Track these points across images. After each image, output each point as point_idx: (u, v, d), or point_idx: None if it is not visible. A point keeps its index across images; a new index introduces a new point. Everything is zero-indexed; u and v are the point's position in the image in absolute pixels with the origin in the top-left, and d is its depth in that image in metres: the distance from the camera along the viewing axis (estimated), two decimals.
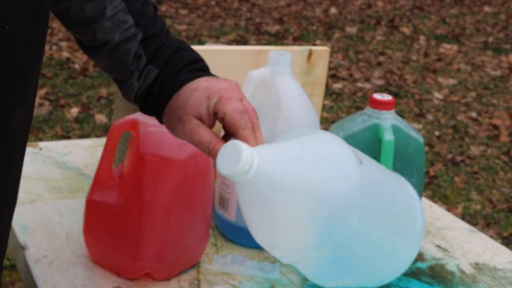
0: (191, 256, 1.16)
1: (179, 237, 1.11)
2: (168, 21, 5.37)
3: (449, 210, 2.96)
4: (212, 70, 1.28)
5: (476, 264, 1.26)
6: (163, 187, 1.08)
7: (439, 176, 3.35)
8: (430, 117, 4.03)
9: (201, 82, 0.87)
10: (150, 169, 1.07)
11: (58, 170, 1.45)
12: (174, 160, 1.08)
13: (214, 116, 0.85)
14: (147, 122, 1.10)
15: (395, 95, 4.23)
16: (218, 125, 0.87)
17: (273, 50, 1.24)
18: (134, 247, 1.09)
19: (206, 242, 1.19)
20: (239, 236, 1.26)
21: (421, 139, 1.26)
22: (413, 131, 1.26)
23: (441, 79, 4.63)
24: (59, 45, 4.61)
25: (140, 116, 1.11)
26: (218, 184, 1.26)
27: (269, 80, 1.22)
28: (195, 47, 1.29)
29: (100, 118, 3.61)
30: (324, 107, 3.95)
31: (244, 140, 0.82)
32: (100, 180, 1.12)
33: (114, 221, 1.10)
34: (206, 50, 1.29)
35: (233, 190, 1.23)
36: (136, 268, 1.11)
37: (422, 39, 5.48)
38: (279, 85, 1.21)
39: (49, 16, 0.84)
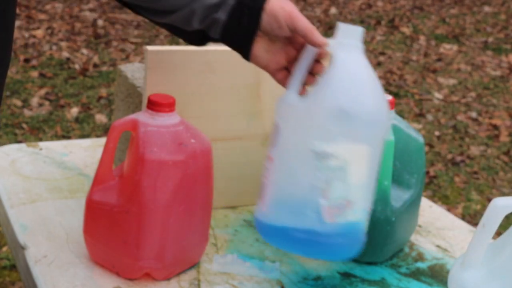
0: (191, 256, 1.16)
1: (179, 237, 1.11)
2: None
3: (449, 210, 2.96)
4: (212, 70, 1.29)
5: None
6: (162, 187, 1.08)
7: (439, 176, 3.35)
8: (430, 117, 4.02)
9: None
10: (150, 169, 1.07)
11: (58, 170, 1.45)
12: (174, 160, 1.08)
13: None
14: (147, 122, 1.10)
15: (395, 95, 4.23)
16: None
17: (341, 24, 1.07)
18: (134, 247, 1.09)
19: (206, 242, 1.19)
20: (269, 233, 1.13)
21: (421, 139, 1.26)
22: (413, 131, 1.26)
23: (441, 79, 4.63)
24: (59, 45, 4.61)
25: (140, 116, 1.11)
26: None
27: (340, 53, 1.04)
28: (195, 47, 1.29)
29: (100, 118, 3.61)
30: None
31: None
32: (100, 180, 1.12)
33: (114, 221, 1.10)
34: (206, 50, 1.29)
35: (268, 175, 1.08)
36: (136, 268, 1.11)
37: (422, 39, 5.47)
38: (344, 60, 1.04)
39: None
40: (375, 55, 5.02)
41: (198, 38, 1.12)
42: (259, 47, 1.09)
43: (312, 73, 1.07)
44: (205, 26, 1.08)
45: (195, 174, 1.11)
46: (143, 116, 1.10)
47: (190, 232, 1.13)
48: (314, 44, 1.05)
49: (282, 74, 1.10)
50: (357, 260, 1.25)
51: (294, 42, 1.09)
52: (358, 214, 1.05)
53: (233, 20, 1.06)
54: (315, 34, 1.04)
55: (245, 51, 1.10)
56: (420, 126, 3.88)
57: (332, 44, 1.05)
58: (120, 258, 1.11)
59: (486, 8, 6.48)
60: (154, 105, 1.10)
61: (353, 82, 1.01)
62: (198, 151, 1.11)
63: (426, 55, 5.12)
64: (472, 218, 2.99)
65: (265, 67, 1.11)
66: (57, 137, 3.37)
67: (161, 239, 1.10)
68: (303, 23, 1.04)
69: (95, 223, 1.13)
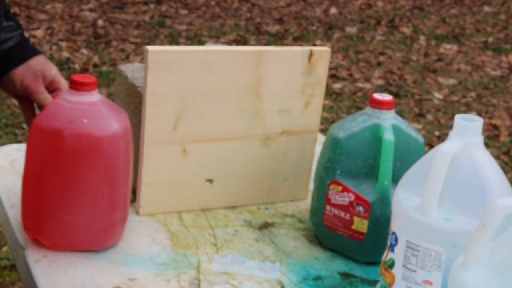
0: (88, 237, 1.18)
1: (56, 209, 1.15)
2: (168, 21, 5.37)
3: None
4: (212, 70, 1.29)
5: None
6: (39, 154, 1.15)
7: None
8: (430, 117, 4.02)
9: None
10: (33, 133, 1.15)
11: None
12: (51, 129, 1.12)
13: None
14: (66, 97, 1.15)
15: (395, 95, 4.23)
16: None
17: (459, 115, 1.01)
18: (21, 212, 1.19)
19: (115, 229, 1.21)
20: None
21: (421, 139, 1.26)
22: (413, 131, 1.26)
23: (441, 79, 4.62)
24: (59, 45, 4.61)
25: (64, 93, 1.17)
26: None
27: (462, 155, 1.00)
28: (195, 47, 1.29)
29: None
30: (324, 107, 3.95)
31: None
32: None
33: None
34: (206, 50, 1.29)
35: None
36: (25, 231, 1.20)
37: (422, 39, 5.47)
38: (477, 161, 1.00)
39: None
40: (375, 55, 5.02)
41: None
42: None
43: None
44: None
45: (77, 151, 1.13)
46: (67, 93, 1.16)
47: (73, 209, 1.16)
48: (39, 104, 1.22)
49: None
50: (357, 260, 1.25)
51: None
52: None
53: None
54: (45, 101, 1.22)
55: None
56: (420, 126, 3.88)
57: (461, 146, 0.98)
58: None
59: (486, 8, 6.48)
60: (74, 84, 1.15)
61: (500, 186, 1.00)
62: (85, 132, 1.12)
63: (426, 55, 5.12)
64: None
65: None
66: None
67: (35, 206, 1.16)
68: (37, 99, 1.22)
69: None
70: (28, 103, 1.26)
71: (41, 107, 1.21)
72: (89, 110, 1.13)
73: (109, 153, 1.14)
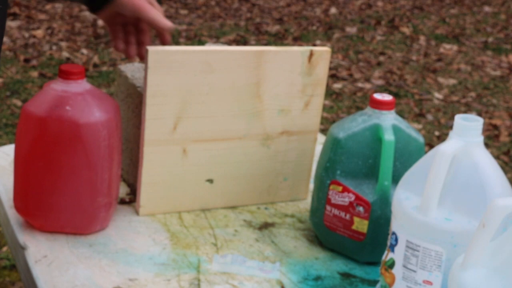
0: (72, 219, 1.21)
1: (41, 191, 1.19)
2: None
3: None
4: (212, 70, 1.29)
5: None
6: (25, 139, 1.19)
7: None
8: (430, 117, 4.02)
9: None
10: (22, 119, 1.19)
11: None
12: (35, 115, 1.16)
13: None
14: (55, 86, 1.18)
15: (395, 95, 4.23)
16: None
17: (459, 115, 1.00)
18: (13, 192, 1.25)
19: (99, 214, 1.23)
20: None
21: (421, 139, 1.26)
22: (413, 131, 1.26)
23: (441, 79, 4.63)
24: (59, 45, 4.61)
25: (55, 81, 1.19)
26: None
27: (462, 155, 1.00)
28: (195, 47, 1.29)
29: None
30: (324, 107, 3.95)
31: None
32: None
33: None
34: (206, 50, 1.29)
35: None
36: (17, 212, 1.24)
37: (422, 39, 5.47)
38: (477, 161, 1.00)
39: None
40: (375, 55, 5.02)
41: None
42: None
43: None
44: None
45: (58, 135, 1.17)
46: (56, 81, 1.20)
47: (56, 192, 1.19)
48: (161, 29, 1.29)
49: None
50: (357, 260, 1.25)
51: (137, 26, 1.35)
52: None
53: None
54: (162, 20, 1.28)
55: (93, 10, 1.37)
56: (420, 126, 3.88)
57: (461, 146, 0.98)
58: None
59: (486, 8, 6.48)
60: (62, 73, 1.18)
61: (500, 187, 0.99)
62: (66, 118, 1.16)
63: (426, 55, 5.12)
64: None
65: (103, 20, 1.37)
66: None
67: (23, 188, 1.21)
68: (149, 14, 1.28)
69: None
70: (119, 26, 1.34)
71: (154, 23, 1.28)
72: (73, 98, 1.17)
73: (89, 140, 1.17)
